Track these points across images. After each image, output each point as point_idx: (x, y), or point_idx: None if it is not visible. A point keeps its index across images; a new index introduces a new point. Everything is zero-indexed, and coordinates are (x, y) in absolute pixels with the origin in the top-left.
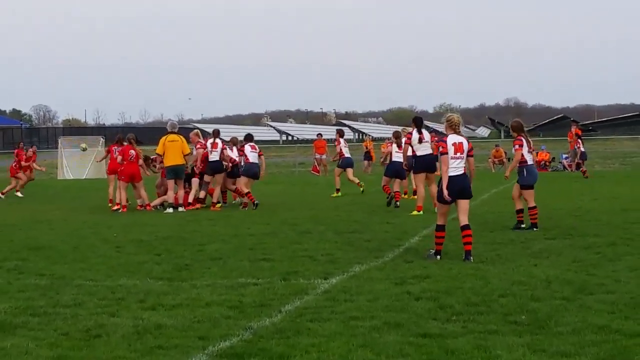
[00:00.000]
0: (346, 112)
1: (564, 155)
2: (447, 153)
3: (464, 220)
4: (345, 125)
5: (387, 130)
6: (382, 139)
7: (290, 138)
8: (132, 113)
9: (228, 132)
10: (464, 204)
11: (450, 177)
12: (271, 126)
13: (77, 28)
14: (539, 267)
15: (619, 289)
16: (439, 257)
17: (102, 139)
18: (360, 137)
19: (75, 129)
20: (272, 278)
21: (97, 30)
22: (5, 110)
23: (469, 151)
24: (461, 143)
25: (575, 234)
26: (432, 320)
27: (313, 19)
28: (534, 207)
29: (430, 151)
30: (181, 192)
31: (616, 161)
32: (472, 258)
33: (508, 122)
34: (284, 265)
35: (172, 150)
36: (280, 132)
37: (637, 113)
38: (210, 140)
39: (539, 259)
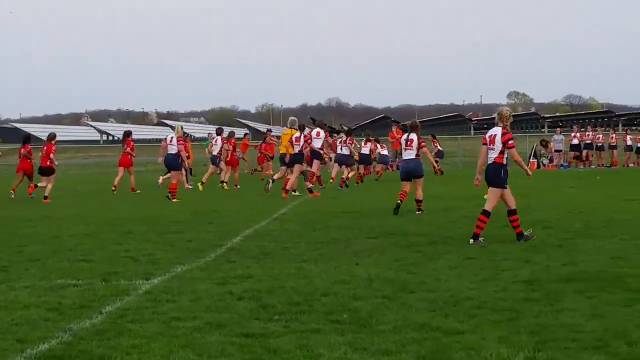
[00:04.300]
0: (168, 112)
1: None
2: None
3: None
4: (167, 125)
5: (209, 129)
6: (203, 139)
7: (111, 138)
8: None
9: (47, 131)
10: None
11: None
12: (92, 126)
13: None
14: (361, 266)
15: (439, 287)
16: None
17: None
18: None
19: None
20: (92, 279)
21: None
22: None
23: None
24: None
25: (398, 233)
26: (254, 320)
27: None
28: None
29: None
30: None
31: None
32: None
33: (330, 121)
34: (105, 266)
35: None
36: (101, 132)
37: (456, 113)
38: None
39: (361, 257)
